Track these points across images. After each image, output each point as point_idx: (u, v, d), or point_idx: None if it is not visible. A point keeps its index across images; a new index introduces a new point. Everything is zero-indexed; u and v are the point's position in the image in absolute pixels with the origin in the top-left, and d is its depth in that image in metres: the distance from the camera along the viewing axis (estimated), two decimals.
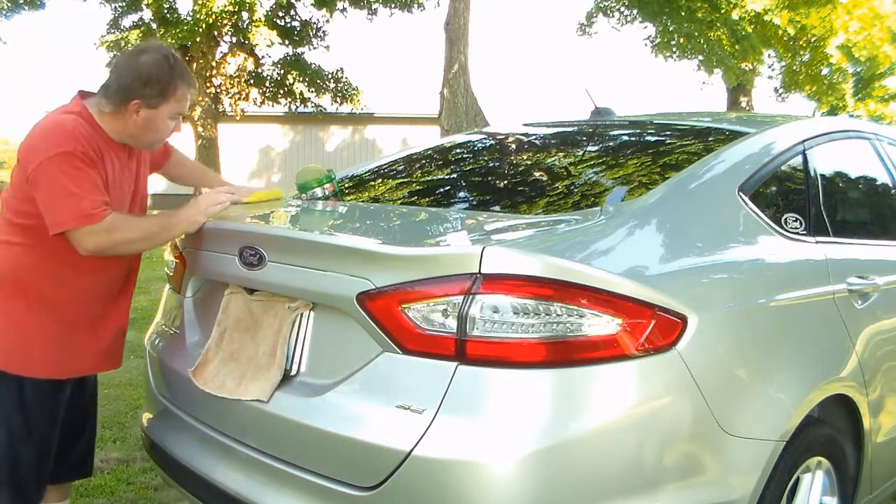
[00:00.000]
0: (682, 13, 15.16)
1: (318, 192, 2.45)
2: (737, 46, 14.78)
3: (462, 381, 1.57)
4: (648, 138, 2.70)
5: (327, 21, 19.48)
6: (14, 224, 2.14)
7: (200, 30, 16.45)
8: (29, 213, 2.10)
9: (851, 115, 19.36)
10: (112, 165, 2.18)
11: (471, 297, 1.57)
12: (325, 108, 20.14)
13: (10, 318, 2.13)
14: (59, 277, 2.15)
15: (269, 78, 19.34)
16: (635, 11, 16.54)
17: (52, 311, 2.16)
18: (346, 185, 2.73)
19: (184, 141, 18.88)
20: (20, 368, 2.13)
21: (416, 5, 18.59)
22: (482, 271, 1.56)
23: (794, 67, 17.73)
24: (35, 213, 2.09)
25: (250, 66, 18.70)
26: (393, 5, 18.69)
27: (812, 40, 15.92)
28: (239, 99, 18.82)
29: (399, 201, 2.49)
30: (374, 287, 1.68)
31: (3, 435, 2.13)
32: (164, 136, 2.27)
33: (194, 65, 17.61)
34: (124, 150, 2.24)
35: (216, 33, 17.33)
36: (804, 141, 2.41)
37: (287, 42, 19.05)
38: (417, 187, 2.67)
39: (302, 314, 1.91)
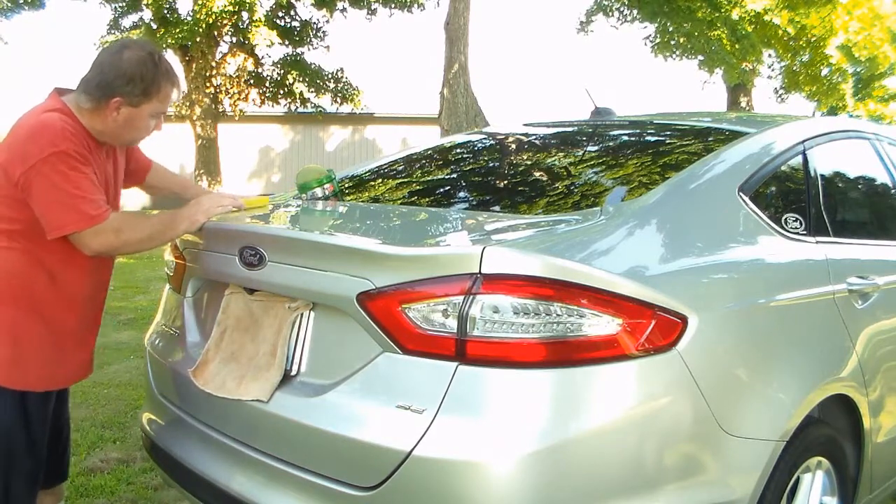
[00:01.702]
0: (682, 13, 15.16)
1: (318, 192, 2.45)
2: (737, 46, 14.79)
3: (462, 381, 1.57)
4: (648, 138, 2.70)
5: (327, 21, 19.49)
6: (2, 231, 2.07)
7: (200, 30, 16.45)
8: (13, 219, 2.05)
9: (851, 115, 19.36)
10: (98, 166, 2.13)
11: (471, 297, 1.57)
12: (325, 109, 20.14)
13: (6, 331, 2.08)
14: (51, 282, 2.10)
15: (269, 78, 19.34)
16: (635, 11, 16.54)
17: (45, 320, 2.11)
18: (346, 185, 2.73)
19: (184, 141, 18.95)
20: (19, 383, 2.10)
21: (416, 5, 18.59)
22: (482, 271, 1.56)
23: (794, 67, 17.74)
24: (20, 218, 2.04)
25: (250, 66, 18.69)
26: (393, 5, 18.69)
27: (812, 40, 15.92)
28: (239, 99, 18.81)
29: (399, 201, 2.49)
30: (374, 287, 1.68)
31: (4, 447, 2.10)
32: (144, 134, 2.21)
33: (194, 65, 17.61)
34: (103, 149, 2.19)
35: (216, 33, 17.33)
36: (804, 141, 2.41)
37: (287, 42, 19.05)
38: (417, 187, 2.67)
39: (302, 314, 1.91)
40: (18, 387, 2.09)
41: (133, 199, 20.16)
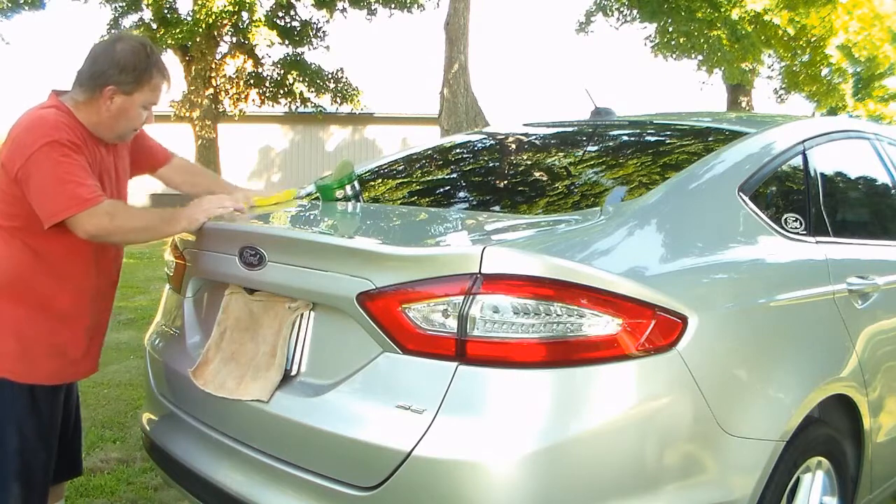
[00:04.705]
0: (682, 13, 15.16)
1: (339, 194, 2.43)
2: (737, 46, 14.78)
3: (462, 381, 1.57)
4: (648, 138, 2.70)
5: (327, 21, 19.47)
6: (3, 228, 2.11)
7: (200, 30, 16.44)
8: (14, 215, 2.09)
9: (851, 115, 19.36)
10: (93, 157, 2.16)
11: (471, 297, 1.57)
12: (325, 108, 20.13)
13: (10, 326, 2.11)
14: (55, 277, 2.13)
15: (268, 78, 19.34)
16: (635, 11, 16.53)
17: (50, 314, 2.14)
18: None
19: (184, 141, 18.93)
20: (25, 377, 2.12)
21: (415, 5, 18.58)
22: (482, 271, 1.56)
23: (794, 68, 17.73)
24: (20, 214, 2.07)
25: (250, 66, 18.69)
26: (392, 5, 18.67)
27: (812, 40, 15.91)
28: (239, 99, 18.81)
29: (399, 201, 2.49)
30: (374, 287, 1.68)
31: (17, 442, 2.12)
32: (136, 125, 2.24)
33: (194, 65, 17.60)
34: (102, 144, 2.22)
35: (216, 33, 17.32)
36: (804, 141, 2.41)
37: (287, 42, 19.04)
38: (417, 187, 2.67)
39: (302, 314, 1.91)
40: (26, 380, 2.12)
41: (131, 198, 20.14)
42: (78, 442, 2.48)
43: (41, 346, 2.14)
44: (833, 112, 18.47)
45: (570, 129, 3.04)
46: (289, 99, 19.54)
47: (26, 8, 17.02)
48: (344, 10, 19.28)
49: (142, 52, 2.15)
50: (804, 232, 2.22)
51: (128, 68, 2.12)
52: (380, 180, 2.78)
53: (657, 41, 17.01)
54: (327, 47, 19.69)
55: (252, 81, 19.00)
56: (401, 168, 2.92)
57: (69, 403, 2.37)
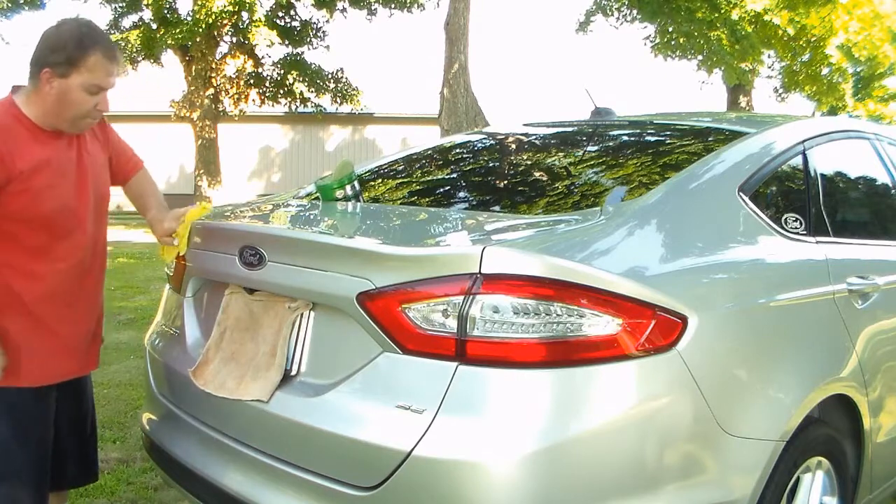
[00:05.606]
0: (682, 13, 15.16)
1: (339, 194, 2.41)
2: (736, 46, 14.79)
3: (462, 381, 1.57)
4: (648, 138, 2.70)
5: (327, 21, 19.49)
6: None
7: (200, 30, 16.44)
8: None
9: (851, 115, 19.37)
10: (31, 156, 2.05)
11: (471, 297, 1.57)
12: (325, 108, 20.14)
13: None
14: (23, 278, 2.07)
15: (269, 78, 19.35)
16: (635, 11, 16.54)
17: (24, 313, 2.08)
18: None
19: (184, 141, 18.93)
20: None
21: (416, 5, 18.60)
22: (482, 271, 1.56)
23: (794, 67, 17.73)
24: None
25: (250, 66, 18.70)
26: (392, 5, 18.69)
27: (812, 40, 15.91)
28: (239, 99, 18.81)
29: (399, 201, 2.49)
30: (374, 287, 1.68)
31: None
32: (83, 109, 2.08)
33: (194, 66, 17.60)
34: (63, 138, 2.13)
35: (216, 33, 17.32)
36: (804, 141, 2.41)
37: (287, 42, 19.06)
38: (417, 187, 2.67)
39: (302, 314, 1.91)
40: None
41: None
42: (93, 447, 2.42)
43: (17, 349, 2.07)
44: (833, 112, 18.47)
45: (570, 129, 3.04)
46: (289, 99, 19.55)
47: (26, 8, 17.03)
48: (344, 10, 19.30)
49: (76, 31, 2.03)
50: (804, 232, 2.22)
51: (58, 48, 2.00)
52: (380, 180, 2.78)
53: (657, 41, 17.02)
54: (327, 47, 19.70)
55: (252, 81, 19.00)
56: (401, 168, 2.92)
57: (81, 407, 2.33)
